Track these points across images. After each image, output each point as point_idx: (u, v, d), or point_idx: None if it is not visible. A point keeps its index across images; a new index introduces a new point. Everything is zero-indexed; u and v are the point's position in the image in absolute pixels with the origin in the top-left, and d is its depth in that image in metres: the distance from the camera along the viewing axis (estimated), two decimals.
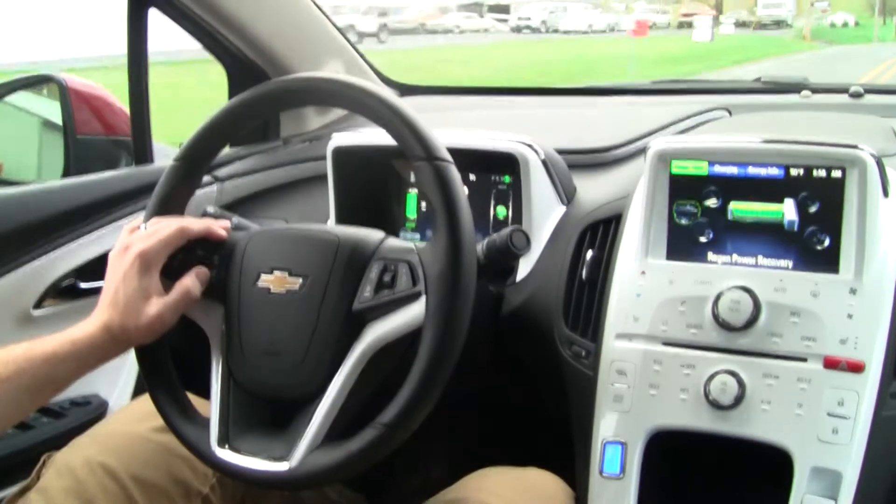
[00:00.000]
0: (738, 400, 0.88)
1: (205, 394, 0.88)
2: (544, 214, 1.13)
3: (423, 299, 0.79)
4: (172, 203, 0.92)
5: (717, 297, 0.90)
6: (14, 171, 1.57)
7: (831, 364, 0.86)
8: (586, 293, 1.02)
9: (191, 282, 0.86)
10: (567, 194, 1.15)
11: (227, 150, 1.46)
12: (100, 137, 1.48)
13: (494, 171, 1.18)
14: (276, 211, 1.39)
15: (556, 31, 21.50)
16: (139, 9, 1.31)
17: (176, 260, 0.87)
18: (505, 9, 23.30)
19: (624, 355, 0.94)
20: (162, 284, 0.85)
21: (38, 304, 1.22)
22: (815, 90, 1.52)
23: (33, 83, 1.62)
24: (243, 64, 1.48)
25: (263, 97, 0.91)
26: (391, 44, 16.17)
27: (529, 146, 1.12)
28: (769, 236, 0.93)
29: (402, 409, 0.77)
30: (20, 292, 1.20)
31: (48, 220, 1.23)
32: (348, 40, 1.65)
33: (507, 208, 1.18)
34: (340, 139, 1.22)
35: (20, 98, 1.58)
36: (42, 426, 1.22)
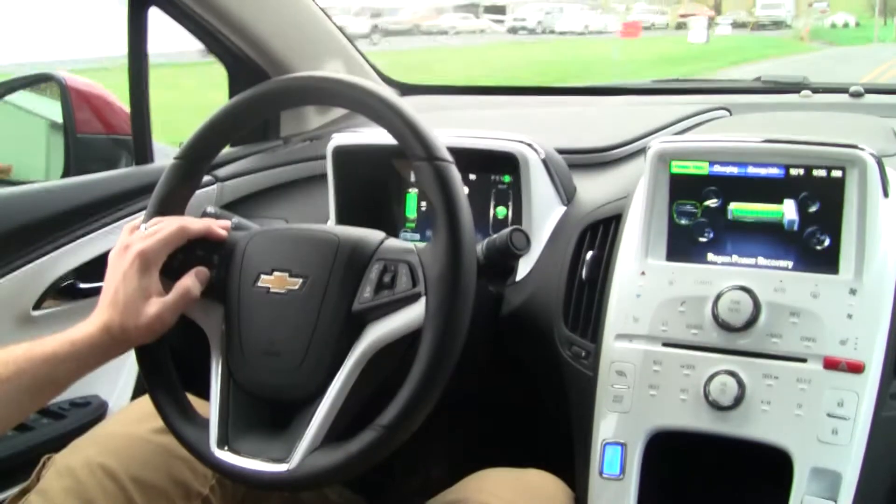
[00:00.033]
0: (738, 400, 0.88)
1: (204, 394, 0.88)
2: (544, 214, 1.13)
3: (423, 300, 0.79)
4: (172, 203, 0.92)
5: (717, 298, 0.90)
6: (24, 173, 1.57)
7: (831, 364, 0.86)
8: (586, 293, 1.02)
9: (191, 282, 0.86)
10: (567, 194, 1.15)
11: (227, 150, 1.46)
12: (100, 137, 1.48)
13: (494, 170, 1.18)
14: (276, 211, 1.39)
15: (552, 31, 21.48)
16: (140, 8, 1.31)
17: (176, 260, 0.87)
18: (501, 9, 23.29)
19: (624, 356, 0.94)
20: (162, 284, 0.85)
21: (37, 305, 1.22)
22: (815, 90, 1.52)
23: (33, 82, 1.62)
24: (244, 63, 1.47)
25: (264, 96, 0.91)
26: (384, 45, 16.14)
27: (529, 146, 1.12)
28: (769, 236, 0.93)
29: (402, 410, 0.77)
30: (20, 292, 1.20)
31: (48, 220, 1.22)
32: (349, 40, 1.65)
33: (507, 208, 1.18)
34: (340, 139, 1.22)
35: (21, 98, 1.58)
36: (42, 427, 1.22)
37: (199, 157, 0.93)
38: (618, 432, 0.93)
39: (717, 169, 0.95)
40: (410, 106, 0.83)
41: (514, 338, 1.09)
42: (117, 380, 1.31)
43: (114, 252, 0.87)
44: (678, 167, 0.96)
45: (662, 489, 0.93)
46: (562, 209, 1.14)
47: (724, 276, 0.91)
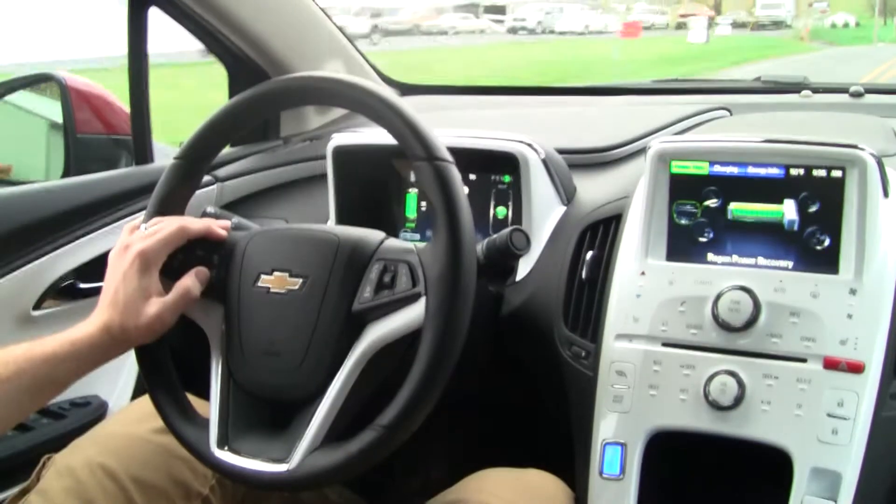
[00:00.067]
0: (738, 400, 0.88)
1: (204, 394, 0.88)
2: (544, 214, 1.13)
3: (422, 300, 0.79)
4: (172, 203, 0.92)
5: (717, 298, 0.90)
6: (24, 173, 1.57)
7: (831, 364, 0.86)
8: (586, 293, 1.02)
9: (191, 282, 0.86)
10: (567, 194, 1.15)
11: (227, 150, 1.46)
12: (100, 137, 1.48)
13: (494, 170, 1.18)
14: (276, 211, 1.39)
15: (552, 32, 21.49)
16: (140, 7, 1.31)
17: (176, 260, 0.87)
18: (501, 9, 23.31)
19: (624, 356, 0.94)
20: (162, 284, 0.85)
21: (37, 305, 1.22)
22: (815, 90, 1.52)
23: (33, 82, 1.62)
24: (244, 63, 1.47)
25: (264, 96, 0.91)
26: (384, 45, 16.13)
27: (529, 146, 1.12)
28: (769, 236, 0.93)
29: (402, 411, 0.77)
30: (20, 292, 1.20)
31: (48, 220, 1.22)
32: (349, 39, 1.65)
33: (507, 208, 1.18)
34: (340, 139, 1.22)
35: (21, 98, 1.58)
36: (42, 428, 1.22)
37: (199, 157, 0.93)
38: (618, 432, 0.93)
39: (718, 169, 0.95)
40: (410, 106, 0.83)
41: (514, 338, 1.09)
42: (117, 380, 1.31)
43: (114, 252, 0.87)
44: (678, 167, 0.96)
45: (662, 489, 0.93)
46: (562, 209, 1.14)
47: (724, 276, 0.91)
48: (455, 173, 0.81)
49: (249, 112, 0.92)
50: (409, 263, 0.81)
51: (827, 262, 0.90)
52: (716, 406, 0.88)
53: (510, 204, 1.18)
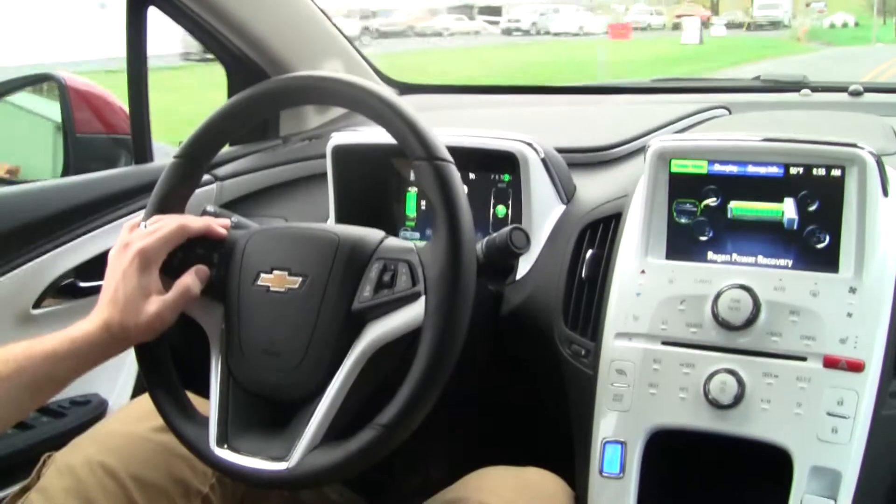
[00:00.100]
0: (738, 399, 0.88)
1: (204, 393, 0.88)
2: (544, 213, 1.13)
3: (422, 299, 0.79)
4: (172, 201, 0.92)
5: (717, 296, 0.90)
6: (31, 175, 1.57)
7: (831, 363, 0.86)
8: (586, 292, 1.02)
9: (190, 280, 0.86)
10: (567, 193, 1.15)
11: (226, 149, 1.46)
12: (99, 136, 1.48)
13: (494, 169, 1.18)
14: (275, 210, 1.39)
15: (546, 33, 21.49)
16: (139, 7, 1.31)
17: (176, 258, 0.87)
18: (496, 10, 23.32)
19: (623, 354, 0.94)
20: (162, 283, 0.85)
21: (37, 303, 1.22)
22: (814, 89, 1.52)
23: (33, 82, 1.61)
24: (243, 63, 1.47)
25: (263, 96, 0.91)
26: (376, 47, 16.08)
27: (529, 145, 1.12)
28: (769, 235, 0.93)
29: (402, 410, 0.77)
30: (20, 291, 1.20)
31: (48, 219, 1.23)
32: (348, 39, 1.65)
33: (507, 207, 1.18)
34: (340, 138, 1.22)
35: (21, 97, 1.58)
36: (42, 426, 1.22)
37: (198, 156, 0.93)
38: (618, 431, 0.93)
39: (717, 168, 0.95)
40: (410, 105, 0.83)
41: (514, 337, 1.09)
42: (117, 378, 1.31)
43: (114, 250, 0.87)
44: (678, 166, 0.96)
45: (662, 488, 0.93)
46: (561, 208, 1.14)
47: (724, 274, 0.91)
48: (455, 173, 0.81)
49: (249, 111, 0.92)
50: (409, 262, 0.81)
51: (826, 260, 0.90)
52: (716, 405, 0.88)
53: (510, 203, 1.18)
